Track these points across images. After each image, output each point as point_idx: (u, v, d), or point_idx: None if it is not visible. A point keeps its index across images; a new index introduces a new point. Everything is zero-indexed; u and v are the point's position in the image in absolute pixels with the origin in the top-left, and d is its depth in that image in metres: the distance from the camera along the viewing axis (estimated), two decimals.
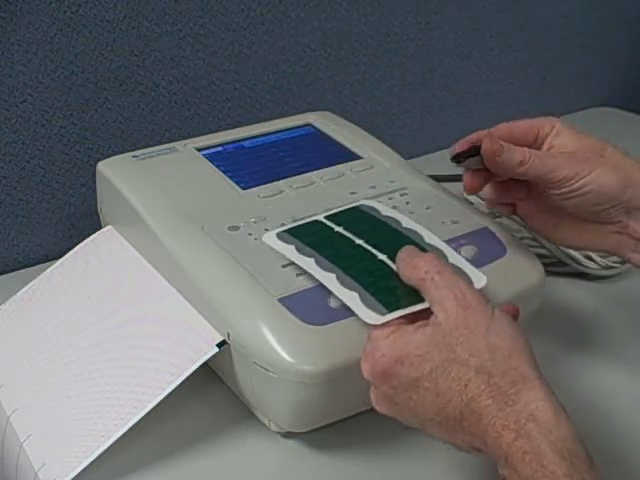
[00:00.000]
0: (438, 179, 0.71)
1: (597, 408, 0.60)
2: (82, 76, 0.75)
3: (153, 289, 0.61)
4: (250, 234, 0.59)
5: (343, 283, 0.51)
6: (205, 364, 0.54)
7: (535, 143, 0.57)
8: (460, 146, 0.56)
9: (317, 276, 0.52)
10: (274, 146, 0.73)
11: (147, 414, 0.52)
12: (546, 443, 0.40)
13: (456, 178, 0.71)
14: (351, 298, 0.50)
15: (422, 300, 0.47)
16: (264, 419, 0.56)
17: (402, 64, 0.98)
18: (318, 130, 0.76)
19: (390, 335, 0.45)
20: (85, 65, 0.75)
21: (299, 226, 0.58)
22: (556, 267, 0.75)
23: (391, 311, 0.47)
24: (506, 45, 1.07)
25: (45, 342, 0.61)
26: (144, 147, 0.71)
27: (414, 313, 0.47)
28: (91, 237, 0.69)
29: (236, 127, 0.76)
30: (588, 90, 1.22)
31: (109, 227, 0.69)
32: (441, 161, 1.02)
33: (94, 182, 0.71)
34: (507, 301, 0.51)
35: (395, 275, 0.50)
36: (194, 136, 0.74)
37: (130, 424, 0.52)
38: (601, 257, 0.74)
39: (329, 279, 0.52)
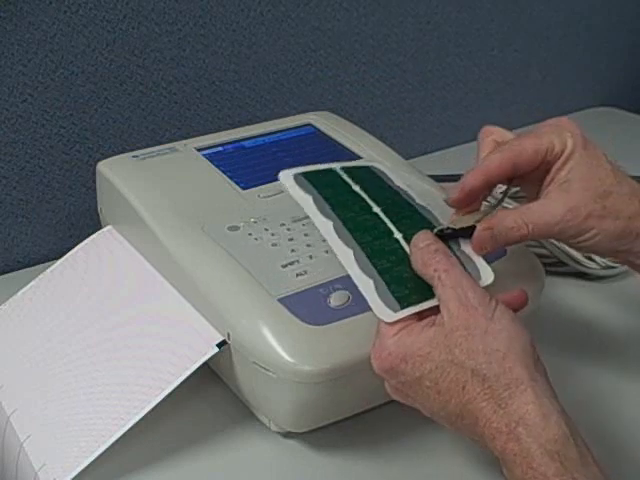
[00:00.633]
0: (438, 179, 0.71)
1: (597, 408, 0.60)
2: (82, 76, 0.75)
3: (153, 289, 0.61)
4: (250, 234, 0.59)
5: (360, 264, 0.51)
6: (205, 364, 0.54)
7: (541, 167, 0.52)
8: (456, 201, 0.53)
9: (334, 248, 0.52)
10: (274, 146, 0.73)
11: (147, 414, 0.52)
12: (535, 446, 0.41)
13: (456, 178, 0.71)
14: (367, 285, 0.50)
15: (433, 295, 0.48)
16: (264, 419, 0.56)
17: (402, 64, 0.98)
18: (318, 130, 0.76)
19: (398, 332, 0.46)
20: (85, 65, 0.75)
21: (317, 172, 0.57)
22: (556, 267, 0.75)
23: (403, 308, 0.48)
24: (506, 45, 1.07)
25: (45, 342, 0.61)
26: (144, 147, 0.71)
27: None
28: (91, 237, 0.69)
29: (236, 127, 0.76)
30: (588, 90, 1.22)
31: (109, 227, 0.69)
32: (441, 161, 1.03)
33: (94, 182, 0.71)
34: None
35: (409, 262, 0.50)
36: (194, 136, 0.74)
37: (130, 424, 0.52)
38: (601, 257, 0.74)
39: (347, 255, 0.52)
